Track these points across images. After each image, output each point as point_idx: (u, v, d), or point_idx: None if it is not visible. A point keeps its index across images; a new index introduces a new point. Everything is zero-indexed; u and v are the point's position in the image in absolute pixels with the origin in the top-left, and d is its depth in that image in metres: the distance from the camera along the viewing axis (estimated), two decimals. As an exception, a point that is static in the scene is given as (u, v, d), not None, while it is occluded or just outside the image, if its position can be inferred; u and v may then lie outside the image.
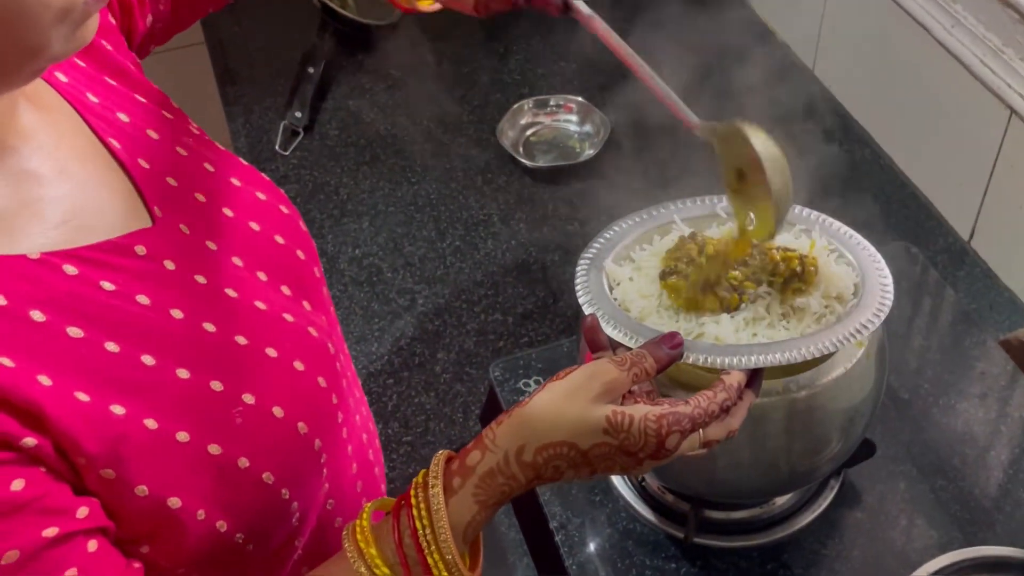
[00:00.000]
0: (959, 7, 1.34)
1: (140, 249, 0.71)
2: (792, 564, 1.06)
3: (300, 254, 0.85)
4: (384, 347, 1.36)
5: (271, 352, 0.75)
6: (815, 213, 0.99)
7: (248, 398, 0.72)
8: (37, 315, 0.64)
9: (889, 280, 0.91)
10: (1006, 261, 1.37)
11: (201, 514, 0.69)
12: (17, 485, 0.60)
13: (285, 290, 0.81)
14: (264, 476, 0.72)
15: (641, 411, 0.70)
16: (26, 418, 0.61)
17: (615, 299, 0.92)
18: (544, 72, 1.79)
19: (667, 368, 0.75)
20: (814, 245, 0.95)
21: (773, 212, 0.83)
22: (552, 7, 0.86)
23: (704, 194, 1.02)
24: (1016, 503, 1.09)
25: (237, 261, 0.78)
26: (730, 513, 1.09)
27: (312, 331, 0.80)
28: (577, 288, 0.92)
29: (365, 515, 0.71)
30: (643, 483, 1.13)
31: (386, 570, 0.68)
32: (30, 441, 0.61)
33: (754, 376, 0.79)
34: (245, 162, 0.88)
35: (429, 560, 0.68)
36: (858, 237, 0.96)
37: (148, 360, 0.68)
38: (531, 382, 1.22)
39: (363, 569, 0.68)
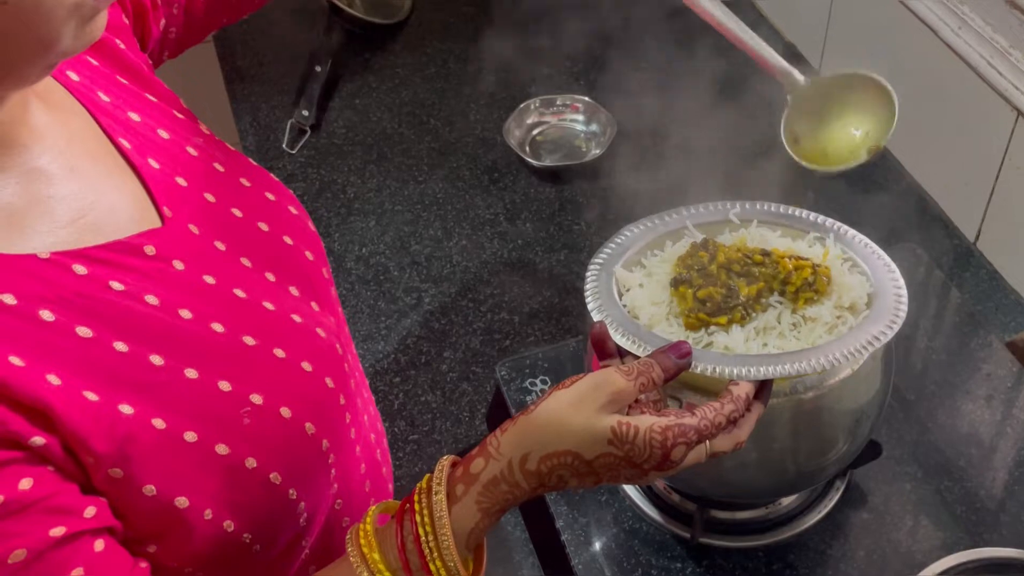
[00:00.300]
0: (966, 8, 1.34)
1: (149, 249, 0.72)
2: (798, 564, 1.06)
3: (308, 255, 0.85)
4: (390, 346, 1.36)
5: (279, 353, 0.75)
6: (830, 220, 0.98)
7: (256, 398, 0.72)
8: (46, 314, 0.64)
9: (904, 292, 0.89)
10: (1012, 263, 1.37)
11: (208, 514, 0.69)
12: (25, 484, 0.60)
13: (293, 291, 0.81)
14: (271, 476, 0.72)
15: (647, 422, 0.70)
16: (35, 417, 0.61)
17: (624, 305, 0.91)
18: (550, 72, 1.78)
19: (675, 378, 0.75)
20: (827, 254, 0.94)
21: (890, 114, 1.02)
22: None
23: (710, 192, 1.02)
24: (1022, 504, 1.09)
25: (246, 262, 0.78)
26: (736, 513, 1.10)
27: (320, 332, 0.80)
28: (586, 294, 0.92)
29: (369, 519, 0.71)
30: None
31: (388, 575, 0.68)
32: (38, 440, 0.61)
33: (763, 387, 0.79)
34: (254, 163, 0.88)
35: (431, 567, 0.68)
36: (873, 246, 0.95)
37: (157, 360, 0.68)
38: (537, 381, 1.22)
39: (365, 573, 0.68)
